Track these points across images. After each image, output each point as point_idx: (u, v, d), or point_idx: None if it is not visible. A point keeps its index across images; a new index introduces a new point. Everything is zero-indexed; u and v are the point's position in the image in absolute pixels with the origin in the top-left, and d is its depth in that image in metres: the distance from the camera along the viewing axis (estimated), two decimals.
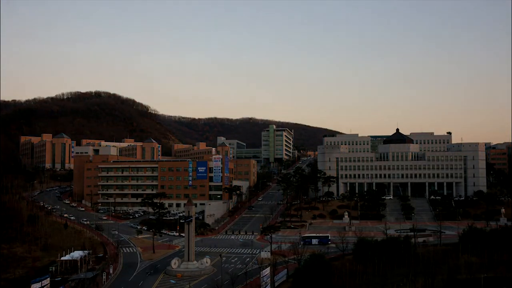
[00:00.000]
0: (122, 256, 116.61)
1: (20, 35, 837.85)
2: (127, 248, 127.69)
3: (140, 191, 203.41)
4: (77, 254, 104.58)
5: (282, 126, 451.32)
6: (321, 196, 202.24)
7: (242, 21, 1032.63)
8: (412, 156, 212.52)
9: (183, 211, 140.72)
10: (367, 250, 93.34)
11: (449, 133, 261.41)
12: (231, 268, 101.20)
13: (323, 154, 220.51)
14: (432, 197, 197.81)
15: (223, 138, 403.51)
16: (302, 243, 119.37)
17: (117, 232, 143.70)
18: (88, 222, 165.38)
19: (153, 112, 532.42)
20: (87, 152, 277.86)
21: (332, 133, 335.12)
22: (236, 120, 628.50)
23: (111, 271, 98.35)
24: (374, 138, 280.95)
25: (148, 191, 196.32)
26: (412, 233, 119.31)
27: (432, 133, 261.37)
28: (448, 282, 77.07)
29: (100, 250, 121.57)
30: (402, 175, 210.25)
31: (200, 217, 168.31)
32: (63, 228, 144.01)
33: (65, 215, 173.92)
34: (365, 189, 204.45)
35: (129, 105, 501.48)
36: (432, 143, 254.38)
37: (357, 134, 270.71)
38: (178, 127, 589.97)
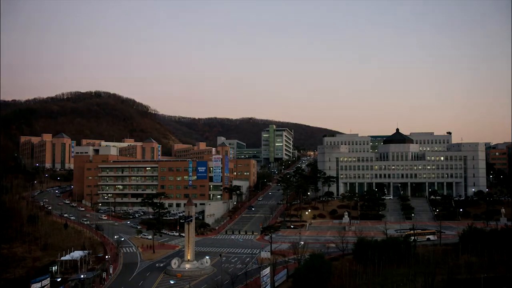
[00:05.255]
0: (122, 256, 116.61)
1: (20, 35, 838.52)
2: (127, 248, 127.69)
3: (140, 191, 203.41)
4: (77, 254, 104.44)
5: (282, 126, 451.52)
6: (321, 196, 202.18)
7: (240, 19, 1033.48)
8: (412, 156, 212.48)
9: (183, 211, 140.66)
10: (367, 250, 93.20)
11: (449, 133, 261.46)
12: (231, 268, 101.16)
13: (323, 154, 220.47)
14: (432, 197, 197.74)
15: (223, 138, 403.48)
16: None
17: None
18: (88, 222, 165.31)
19: (153, 112, 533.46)
20: (87, 152, 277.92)
21: (332, 133, 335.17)
22: (236, 120, 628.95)
23: (111, 271, 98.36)
24: (374, 138, 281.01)
25: (148, 191, 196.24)
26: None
27: (432, 133, 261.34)
28: (448, 282, 77.01)
29: (100, 250, 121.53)
30: (402, 175, 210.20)
31: (200, 217, 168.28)
32: (63, 228, 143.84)
33: (65, 215, 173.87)
34: (365, 189, 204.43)
35: (129, 105, 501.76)
36: (432, 143, 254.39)
37: (357, 134, 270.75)
38: (178, 127, 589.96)
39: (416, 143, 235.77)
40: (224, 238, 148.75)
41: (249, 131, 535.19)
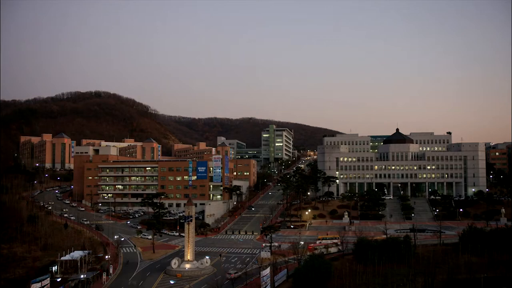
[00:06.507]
0: (122, 256, 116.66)
1: (20, 35, 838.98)
2: (127, 248, 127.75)
3: (140, 191, 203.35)
4: (77, 254, 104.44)
5: (282, 126, 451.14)
6: (321, 196, 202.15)
7: (240, 19, 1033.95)
8: (412, 156, 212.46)
9: (183, 211, 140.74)
10: (367, 250, 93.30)
11: (449, 133, 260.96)
12: (231, 268, 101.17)
13: (323, 154, 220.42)
14: (432, 197, 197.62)
15: (223, 138, 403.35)
16: None
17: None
18: (88, 222, 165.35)
19: (153, 112, 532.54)
20: (87, 152, 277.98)
21: (332, 133, 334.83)
22: (236, 120, 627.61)
23: (111, 271, 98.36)
24: (374, 138, 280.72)
25: (148, 191, 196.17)
26: (412, 232, 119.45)
27: (432, 133, 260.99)
28: (448, 282, 77.09)
29: (100, 250, 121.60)
30: (402, 175, 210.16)
31: (200, 217, 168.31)
32: (63, 228, 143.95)
33: (65, 215, 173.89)
34: (365, 189, 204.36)
35: (129, 105, 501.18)
36: (432, 143, 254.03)
37: (357, 134, 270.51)
38: (178, 127, 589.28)
39: (416, 143, 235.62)
40: (224, 238, 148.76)
41: (249, 131, 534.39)
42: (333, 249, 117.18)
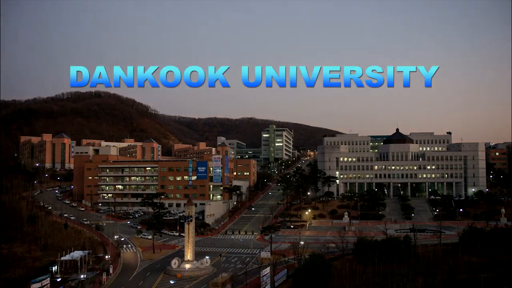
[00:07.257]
0: (122, 256, 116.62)
1: (20, 35, 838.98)
2: (127, 248, 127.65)
3: (140, 191, 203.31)
4: (77, 254, 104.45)
5: (282, 126, 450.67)
6: (321, 196, 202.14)
7: (240, 18, 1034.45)
8: (412, 156, 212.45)
9: (183, 211, 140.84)
10: (367, 250, 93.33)
11: (449, 133, 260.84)
12: (231, 268, 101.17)
13: (323, 154, 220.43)
14: (432, 197, 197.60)
15: (223, 138, 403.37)
16: None
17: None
18: (88, 222, 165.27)
19: (153, 112, 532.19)
20: (87, 152, 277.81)
21: (332, 133, 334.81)
22: (236, 120, 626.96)
23: (111, 271, 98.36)
24: (374, 138, 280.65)
25: (148, 191, 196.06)
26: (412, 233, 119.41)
27: (432, 133, 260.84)
28: (448, 282, 77.13)
29: (100, 250, 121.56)
30: (402, 175, 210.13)
31: (200, 217, 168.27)
32: (63, 228, 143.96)
33: (65, 215, 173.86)
34: (365, 189, 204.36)
35: (129, 105, 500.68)
36: (432, 143, 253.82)
37: (357, 134, 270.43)
38: (178, 127, 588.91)
39: (416, 143, 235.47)
40: (224, 238, 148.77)
41: (249, 131, 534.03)
42: None
